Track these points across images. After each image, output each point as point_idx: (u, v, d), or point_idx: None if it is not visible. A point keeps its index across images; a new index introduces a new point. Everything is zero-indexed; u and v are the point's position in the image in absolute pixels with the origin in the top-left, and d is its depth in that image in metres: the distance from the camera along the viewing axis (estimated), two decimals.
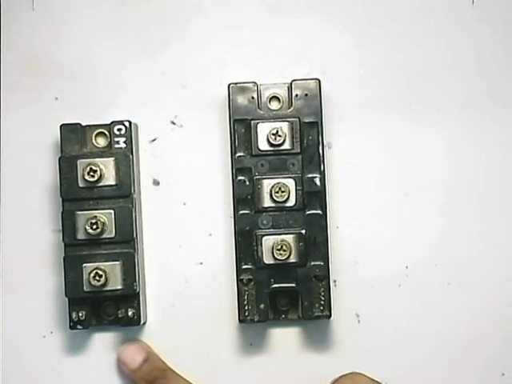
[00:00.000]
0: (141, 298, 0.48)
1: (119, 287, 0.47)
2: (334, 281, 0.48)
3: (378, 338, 0.49)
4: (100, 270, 0.47)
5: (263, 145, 0.47)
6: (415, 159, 0.49)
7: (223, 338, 0.49)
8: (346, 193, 0.49)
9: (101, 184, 0.47)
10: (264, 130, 0.47)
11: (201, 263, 0.49)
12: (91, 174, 0.47)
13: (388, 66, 0.49)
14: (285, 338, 0.49)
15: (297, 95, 0.48)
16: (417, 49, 0.49)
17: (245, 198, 0.47)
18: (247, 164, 0.48)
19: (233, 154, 0.48)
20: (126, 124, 0.48)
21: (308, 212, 0.47)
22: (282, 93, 0.48)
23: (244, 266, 0.47)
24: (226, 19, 0.50)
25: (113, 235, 0.47)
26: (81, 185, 0.47)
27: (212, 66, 0.49)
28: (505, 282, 0.49)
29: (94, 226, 0.47)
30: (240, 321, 0.47)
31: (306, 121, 0.48)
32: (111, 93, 0.50)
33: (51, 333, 0.49)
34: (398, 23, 0.49)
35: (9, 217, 0.49)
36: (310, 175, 0.47)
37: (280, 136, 0.47)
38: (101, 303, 0.48)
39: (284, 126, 0.47)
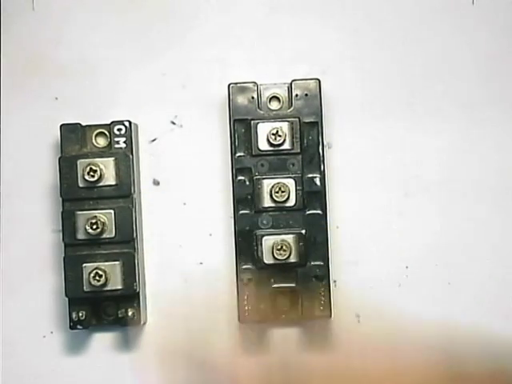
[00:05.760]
0: (141, 297, 0.48)
1: (119, 287, 0.47)
2: (334, 281, 0.48)
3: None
4: (100, 269, 0.47)
5: (263, 145, 0.47)
6: (415, 159, 0.49)
7: (223, 338, 0.49)
8: (345, 193, 0.49)
9: (101, 184, 0.47)
10: (264, 129, 0.47)
11: (201, 263, 0.49)
12: (91, 174, 0.47)
13: (388, 66, 0.49)
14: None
15: (297, 95, 0.48)
16: (417, 49, 0.49)
17: (245, 197, 0.47)
18: (247, 164, 0.48)
19: (233, 154, 0.48)
20: (126, 124, 0.48)
21: (308, 212, 0.47)
22: (282, 93, 0.48)
23: (244, 266, 0.47)
24: (225, 19, 0.50)
25: (113, 235, 0.47)
26: (81, 185, 0.47)
27: (212, 65, 0.49)
28: (505, 282, 0.49)
29: (94, 226, 0.47)
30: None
31: (306, 121, 0.48)
32: (111, 93, 0.50)
33: (51, 333, 0.49)
34: (397, 23, 0.49)
35: (9, 217, 0.49)
36: (310, 175, 0.47)
37: (280, 136, 0.47)
38: (101, 303, 0.48)
39: (284, 126, 0.47)
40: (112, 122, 0.48)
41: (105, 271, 0.47)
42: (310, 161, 0.47)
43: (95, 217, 0.47)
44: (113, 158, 0.47)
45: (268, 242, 0.47)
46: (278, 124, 0.47)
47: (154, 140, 0.50)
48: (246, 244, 0.47)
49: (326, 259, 0.47)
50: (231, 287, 0.48)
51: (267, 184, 0.47)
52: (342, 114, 0.49)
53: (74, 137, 0.48)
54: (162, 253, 0.49)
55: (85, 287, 0.47)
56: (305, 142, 0.48)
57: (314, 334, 0.49)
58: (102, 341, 0.49)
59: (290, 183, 0.47)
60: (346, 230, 0.49)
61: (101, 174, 0.47)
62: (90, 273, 0.47)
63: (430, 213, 0.49)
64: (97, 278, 0.47)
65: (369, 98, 0.49)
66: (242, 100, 0.48)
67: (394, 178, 0.49)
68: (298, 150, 0.47)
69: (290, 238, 0.47)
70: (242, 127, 0.48)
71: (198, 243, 0.49)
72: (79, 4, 0.50)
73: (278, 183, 0.47)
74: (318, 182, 0.47)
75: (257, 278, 0.47)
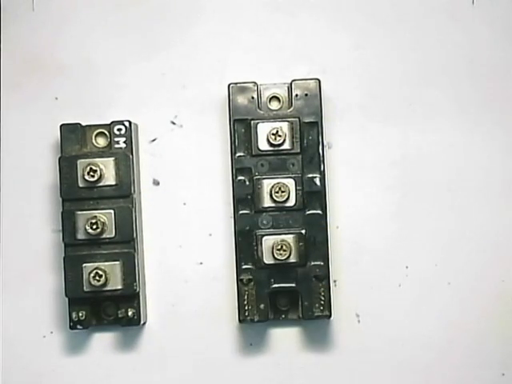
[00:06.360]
0: (141, 297, 0.48)
1: (119, 287, 0.47)
2: (334, 281, 0.48)
3: (378, 338, 0.49)
4: (100, 269, 0.47)
5: (263, 145, 0.47)
6: (415, 159, 0.49)
7: (223, 338, 0.49)
8: (346, 193, 0.49)
9: (101, 184, 0.47)
10: (264, 130, 0.47)
11: (201, 263, 0.49)
12: (91, 174, 0.47)
13: (388, 66, 0.49)
14: (285, 338, 0.49)
15: (297, 95, 0.48)
16: (417, 49, 0.49)
17: (245, 197, 0.47)
18: (247, 164, 0.48)
19: (233, 153, 0.48)
20: (126, 124, 0.48)
21: (308, 212, 0.47)
22: (282, 93, 0.48)
23: (244, 266, 0.47)
24: (226, 19, 0.50)
25: (113, 235, 0.47)
26: (81, 185, 0.47)
27: (212, 66, 0.49)
28: (505, 282, 0.49)
29: (94, 226, 0.47)
30: (240, 321, 0.47)
31: (306, 121, 0.48)
32: (111, 93, 0.50)
33: (51, 333, 0.49)
34: (397, 23, 0.49)
35: (9, 217, 0.49)
36: (310, 175, 0.47)
37: (280, 136, 0.47)
38: (101, 303, 0.48)
39: (284, 126, 0.47)
40: (112, 122, 0.48)
41: (105, 271, 0.47)
42: (310, 161, 0.47)
43: (95, 217, 0.47)
44: (113, 158, 0.47)
45: (268, 242, 0.47)
46: (278, 124, 0.47)
47: (154, 140, 0.50)
48: (246, 244, 0.47)
49: (326, 259, 0.47)
50: (231, 287, 0.48)
51: (267, 184, 0.47)
52: (342, 114, 0.49)
53: (74, 137, 0.48)
54: (162, 253, 0.49)
55: (85, 287, 0.47)
56: (305, 142, 0.48)
57: (314, 333, 0.49)
58: (102, 341, 0.49)
59: (290, 183, 0.47)
60: (345, 230, 0.49)
61: (101, 174, 0.47)
62: (89, 273, 0.47)
63: (430, 213, 0.49)
64: (97, 277, 0.47)
65: (369, 97, 0.49)
66: (242, 100, 0.48)
67: (394, 177, 0.49)
68: (298, 150, 0.47)
69: (289, 238, 0.47)
70: (242, 127, 0.48)
71: (198, 243, 0.49)
72: (79, 4, 0.50)
73: (278, 183, 0.47)
74: (317, 182, 0.47)
75: (257, 278, 0.47)
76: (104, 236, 0.47)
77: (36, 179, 0.49)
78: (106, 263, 0.47)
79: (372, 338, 0.49)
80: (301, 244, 0.47)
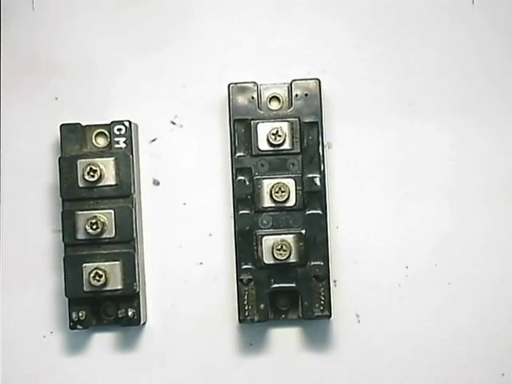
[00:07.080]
0: (141, 297, 0.48)
1: (119, 287, 0.47)
2: (334, 281, 0.48)
3: (378, 338, 0.49)
4: (100, 269, 0.47)
5: (263, 145, 0.47)
6: (415, 159, 0.49)
7: (223, 338, 0.49)
8: (346, 193, 0.49)
9: (101, 184, 0.47)
10: (264, 129, 0.47)
11: (201, 263, 0.49)
12: (91, 174, 0.47)
13: (388, 66, 0.49)
14: (285, 337, 0.49)
15: (297, 95, 0.48)
16: (417, 48, 0.49)
17: (245, 197, 0.47)
18: (247, 164, 0.48)
19: (233, 153, 0.48)
20: (126, 124, 0.48)
21: (308, 212, 0.47)
22: (282, 93, 0.48)
23: (244, 266, 0.47)
24: (226, 19, 0.50)
25: (113, 235, 0.47)
26: (81, 185, 0.47)
27: (212, 66, 0.49)
28: (505, 282, 0.49)
29: (94, 226, 0.47)
30: (240, 321, 0.47)
31: (306, 121, 0.48)
32: (111, 93, 0.50)
33: (51, 333, 0.49)
34: (398, 23, 0.49)
35: (9, 217, 0.49)
36: (310, 175, 0.47)
37: (280, 136, 0.47)
38: (101, 303, 0.48)
39: (284, 126, 0.47)
40: (112, 122, 0.48)
41: (105, 271, 0.47)
42: (310, 161, 0.47)
43: (95, 217, 0.47)
44: (113, 158, 0.47)
45: (268, 241, 0.47)
46: (278, 124, 0.47)
47: (154, 140, 0.50)
48: (246, 244, 0.47)
49: (326, 259, 0.47)
50: (231, 287, 0.48)
51: (267, 184, 0.47)
52: (342, 114, 0.49)
53: (74, 137, 0.48)
54: (162, 253, 0.49)
55: (85, 287, 0.47)
56: (305, 142, 0.48)
57: (314, 333, 0.49)
58: (102, 341, 0.49)
59: (290, 183, 0.47)
60: (345, 230, 0.49)
61: (101, 174, 0.47)
62: (89, 273, 0.47)
63: (430, 213, 0.49)
64: (97, 277, 0.47)
65: (369, 97, 0.49)
66: (242, 100, 0.48)
67: (394, 177, 0.49)
68: (298, 150, 0.47)
69: (289, 238, 0.47)
70: (242, 127, 0.48)
71: (198, 243, 0.49)
72: (79, 4, 0.50)
73: (278, 183, 0.47)
74: (317, 182, 0.47)
75: (257, 278, 0.47)
76: (104, 236, 0.47)
77: (36, 179, 0.49)
78: (106, 263, 0.47)
79: (372, 338, 0.49)
80: (301, 244, 0.47)
